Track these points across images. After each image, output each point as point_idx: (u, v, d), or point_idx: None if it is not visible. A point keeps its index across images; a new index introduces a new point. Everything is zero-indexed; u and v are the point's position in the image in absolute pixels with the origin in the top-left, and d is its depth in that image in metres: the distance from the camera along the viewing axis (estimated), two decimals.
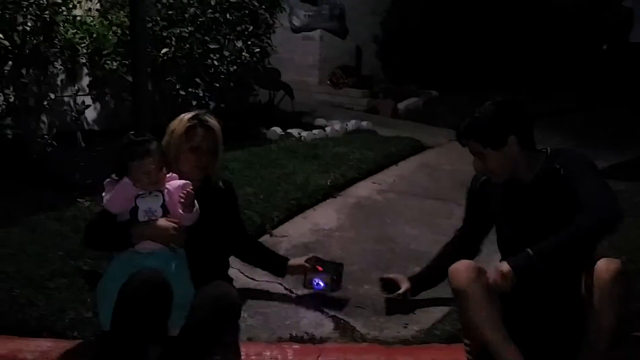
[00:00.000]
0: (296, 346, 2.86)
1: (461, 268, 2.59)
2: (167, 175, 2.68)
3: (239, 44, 5.91)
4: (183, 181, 2.68)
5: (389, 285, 3.23)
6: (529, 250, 2.51)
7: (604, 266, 2.44)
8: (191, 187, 2.66)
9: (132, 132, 2.73)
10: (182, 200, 2.62)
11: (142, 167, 2.57)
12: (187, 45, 5.56)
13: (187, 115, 2.89)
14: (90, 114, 5.75)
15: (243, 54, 5.87)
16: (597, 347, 2.45)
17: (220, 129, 2.91)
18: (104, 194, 2.63)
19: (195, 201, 2.67)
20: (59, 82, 5.37)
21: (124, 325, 2.42)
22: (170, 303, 2.51)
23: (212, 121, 2.89)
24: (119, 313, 2.45)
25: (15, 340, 2.78)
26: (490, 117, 2.68)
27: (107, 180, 2.64)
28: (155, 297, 2.44)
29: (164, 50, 5.47)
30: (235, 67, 5.81)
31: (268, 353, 2.79)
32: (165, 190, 2.66)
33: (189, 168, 2.81)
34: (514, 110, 2.71)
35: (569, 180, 2.57)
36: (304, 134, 6.34)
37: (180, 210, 2.63)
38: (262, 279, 3.53)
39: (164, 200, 2.65)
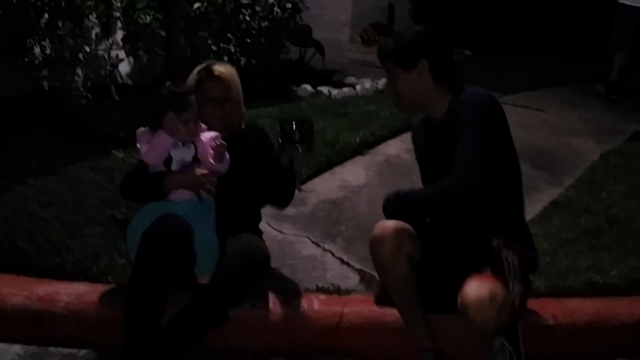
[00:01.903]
0: (322, 297, 2.93)
1: (385, 238, 2.54)
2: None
3: None
4: (214, 132, 2.72)
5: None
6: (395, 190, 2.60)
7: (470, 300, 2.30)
8: (221, 139, 2.69)
9: (170, 84, 2.75)
10: (213, 150, 2.66)
11: (183, 118, 2.61)
12: (219, 0, 5.57)
13: (197, 69, 2.89)
14: (124, 68, 5.83)
15: (275, 9, 5.85)
16: None
17: (231, 75, 2.89)
18: (138, 144, 2.67)
19: (226, 152, 2.71)
20: (93, 36, 5.44)
21: (143, 267, 2.48)
22: (189, 247, 2.57)
23: (221, 69, 2.87)
24: (139, 256, 2.52)
25: (53, 283, 2.90)
26: (407, 36, 2.65)
27: (141, 130, 2.67)
28: (172, 239, 2.50)
29: (196, 5, 5.48)
30: (266, 22, 5.80)
31: (295, 302, 2.87)
32: (199, 141, 2.70)
33: (208, 120, 2.79)
34: (431, 36, 2.63)
35: (457, 127, 2.45)
36: (334, 91, 6.33)
37: (211, 160, 2.68)
38: (290, 232, 3.61)
39: (196, 151, 2.69)
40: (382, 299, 2.79)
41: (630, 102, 6.66)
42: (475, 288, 2.30)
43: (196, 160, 2.69)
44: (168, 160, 2.66)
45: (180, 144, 2.66)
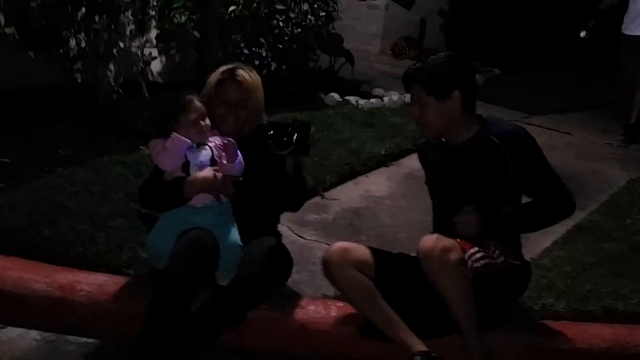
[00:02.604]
0: (340, 304, 2.92)
1: (329, 258, 2.64)
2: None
3: (305, 6, 5.94)
4: (221, 135, 2.72)
5: None
6: (501, 211, 2.61)
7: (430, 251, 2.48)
8: (229, 138, 2.68)
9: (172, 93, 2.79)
10: (222, 148, 2.65)
11: (192, 119, 2.62)
12: (255, 4, 5.62)
13: (221, 69, 2.83)
14: (155, 66, 5.88)
15: (308, 16, 5.89)
16: (463, 335, 2.52)
17: (254, 82, 2.80)
18: (153, 153, 2.65)
19: (238, 152, 2.66)
20: (127, 32, 5.51)
21: (173, 286, 2.44)
22: (217, 261, 2.57)
23: (245, 74, 2.78)
24: (170, 273, 2.47)
25: (75, 272, 2.92)
26: (441, 65, 2.63)
27: (154, 141, 2.65)
28: (204, 259, 2.50)
29: (231, 8, 5.54)
30: (299, 29, 5.85)
31: (312, 307, 2.87)
32: (212, 143, 2.70)
33: (218, 122, 2.74)
34: (465, 67, 2.69)
35: (518, 163, 2.57)
36: (362, 102, 6.35)
37: (224, 161, 2.66)
38: (311, 238, 3.62)
39: (212, 153, 2.68)
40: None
41: None
42: (435, 238, 2.50)
43: (213, 162, 2.68)
44: (185, 165, 2.64)
45: (195, 146, 2.65)
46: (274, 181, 2.72)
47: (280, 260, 2.74)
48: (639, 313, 3.01)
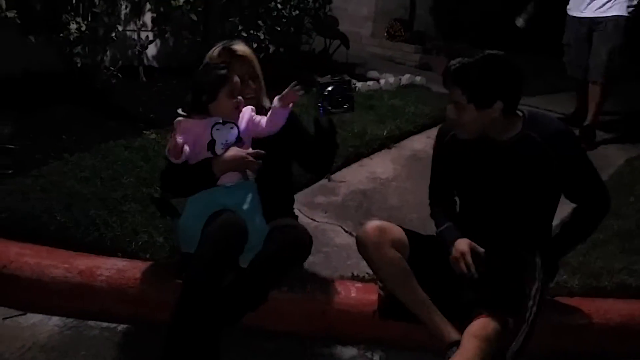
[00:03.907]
0: (358, 284, 2.94)
1: (367, 234, 2.60)
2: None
3: None
4: (248, 107, 2.69)
5: None
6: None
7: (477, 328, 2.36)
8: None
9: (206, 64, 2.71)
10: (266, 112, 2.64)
11: (229, 91, 2.57)
12: None
13: (216, 50, 2.80)
14: (150, 50, 5.83)
15: None
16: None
17: (251, 52, 2.83)
18: (181, 128, 2.56)
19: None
20: (122, 16, 5.45)
21: (206, 265, 2.42)
22: (244, 244, 2.54)
23: (242, 48, 2.81)
24: (201, 254, 2.44)
25: (93, 257, 2.90)
26: (488, 73, 2.43)
27: (180, 119, 2.58)
28: (236, 243, 2.48)
29: None
30: (297, 11, 5.81)
31: (332, 289, 2.88)
32: (238, 120, 2.65)
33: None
34: (513, 76, 2.48)
35: (564, 164, 2.49)
36: (359, 84, 6.32)
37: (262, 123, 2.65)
38: (322, 220, 3.63)
39: (239, 131, 2.63)
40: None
41: None
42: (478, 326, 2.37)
43: (239, 140, 2.64)
44: (211, 143, 2.59)
45: (222, 123, 2.60)
46: (296, 149, 2.80)
47: (299, 239, 2.73)
48: None
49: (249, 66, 2.80)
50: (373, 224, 2.63)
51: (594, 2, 5.36)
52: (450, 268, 2.60)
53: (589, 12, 5.40)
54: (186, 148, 2.51)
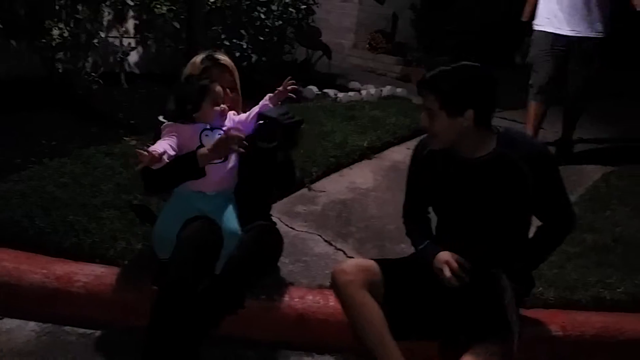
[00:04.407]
0: None
1: (346, 280, 2.50)
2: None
3: None
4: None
5: None
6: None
7: None
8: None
9: (188, 76, 2.76)
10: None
11: (213, 99, 2.62)
12: None
13: (198, 58, 2.83)
14: (132, 57, 5.84)
15: (289, 9, 5.89)
16: None
17: (232, 63, 2.87)
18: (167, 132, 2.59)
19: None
20: (105, 23, 5.45)
21: (180, 274, 2.42)
22: (220, 250, 2.56)
23: (224, 57, 2.85)
24: (176, 261, 2.46)
25: (71, 263, 2.90)
26: (460, 80, 2.39)
27: (167, 124, 2.62)
28: (211, 249, 2.50)
29: None
30: (280, 22, 5.84)
31: (310, 297, 2.89)
32: (226, 127, 2.67)
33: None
34: (486, 85, 2.45)
35: (539, 183, 2.46)
36: (340, 95, 6.37)
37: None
38: (302, 229, 3.64)
39: None
40: None
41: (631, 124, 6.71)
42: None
43: None
44: (200, 148, 2.59)
45: (210, 130, 2.63)
46: (264, 167, 2.77)
47: (269, 238, 2.78)
48: (625, 301, 3.11)
49: (230, 76, 2.84)
50: (349, 264, 2.59)
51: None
52: (431, 289, 2.56)
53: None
54: (165, 158, 2.46)
